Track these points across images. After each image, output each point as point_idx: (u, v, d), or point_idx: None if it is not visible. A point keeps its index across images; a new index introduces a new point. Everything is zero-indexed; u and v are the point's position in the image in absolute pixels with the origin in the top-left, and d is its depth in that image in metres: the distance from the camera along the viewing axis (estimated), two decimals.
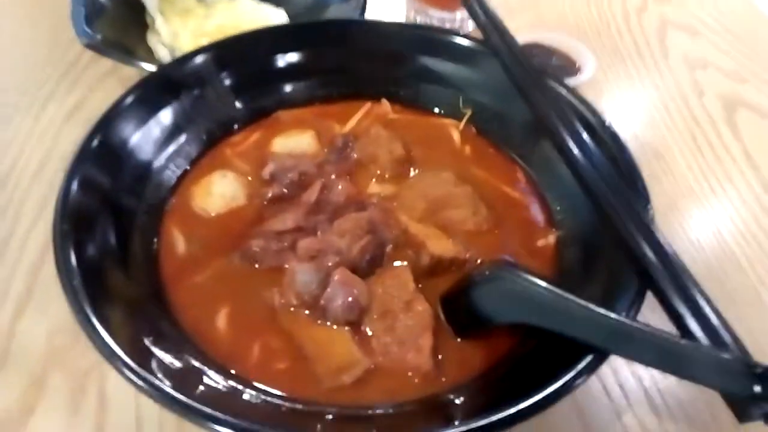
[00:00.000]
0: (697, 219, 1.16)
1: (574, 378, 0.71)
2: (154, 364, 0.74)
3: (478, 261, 0.95)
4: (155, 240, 0.96)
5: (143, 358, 0.73)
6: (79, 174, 0.87)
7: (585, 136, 0.93)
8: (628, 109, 1.46)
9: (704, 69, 1.53)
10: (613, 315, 0.73)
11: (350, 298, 0.83)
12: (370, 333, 0.83)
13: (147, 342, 0.77)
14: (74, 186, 0.85)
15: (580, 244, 0.95)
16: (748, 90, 1.48)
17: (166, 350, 0.78)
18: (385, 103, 1.19)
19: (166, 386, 0.64)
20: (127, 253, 0.90)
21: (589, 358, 0.73)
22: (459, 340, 0.87)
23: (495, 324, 0.83)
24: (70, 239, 0.79)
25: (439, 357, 0.81)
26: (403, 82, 1.20)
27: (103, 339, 0.70)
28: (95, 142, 0.93)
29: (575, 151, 0.92)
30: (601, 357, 0.73)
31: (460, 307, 0.88)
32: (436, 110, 1.20)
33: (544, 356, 0.81)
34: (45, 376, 0.86)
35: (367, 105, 1.19)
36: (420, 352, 0.83)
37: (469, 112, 1.16)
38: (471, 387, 0.81)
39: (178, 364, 0.78)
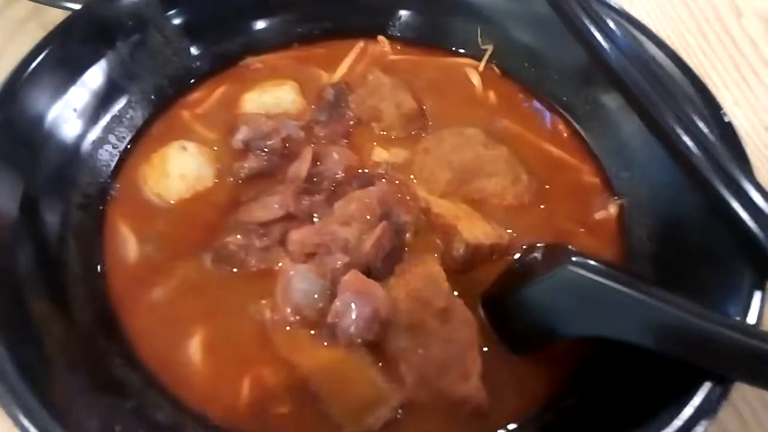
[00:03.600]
0: None
1: (694, 419, 0.52)
2: None
3: (524, 246, 0.73)
4: (96, 244, 0.72)
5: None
6: None
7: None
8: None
9: None
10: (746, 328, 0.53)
11: (367, 311, 0.66)
12: (396, 355, 0.66)
13: (87, 400, 0.57)
14: None
15: (652, 215, 0.76)
16: None
17: (119, 408, 0.57)
18: (383, 41, 0.95)
19: None
20: (57, 269, 0.66)
21: (705, 388, 0.53)
22: (513, 355, 0.66)
23: (560, 336, 0.63)
24: None
25: (492, 383, 0.64)
26: (403, 11, 0.96)
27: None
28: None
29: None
30: (722, 386, 0.54)
31: (509, 311, 0.68)
32: (448, 47, 0.96)
33: (631, 374, 0.61)
34: None
35: (360, 44, 0.94)
36: (467, 378, 0.64)
37: (490, 49, 0.92)
38: (537, 423, 0.61)
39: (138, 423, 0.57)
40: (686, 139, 0.69)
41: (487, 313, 0.70)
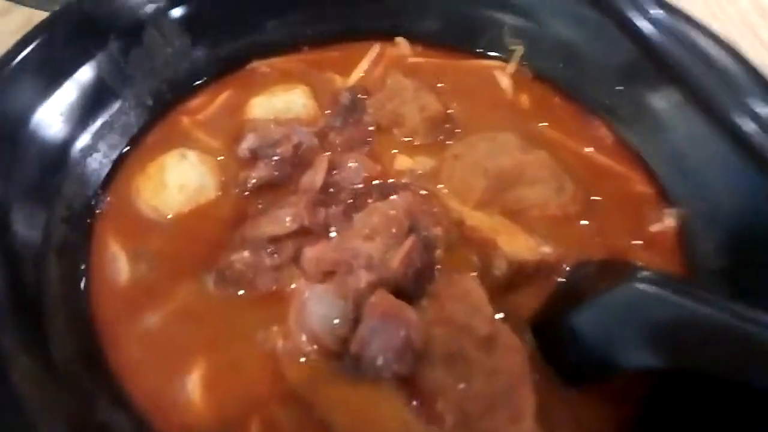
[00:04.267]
0: None
1: None
2: None
3: (575, 263, 0.63)
4: (81, 263, 0.62)
5: None
6: None
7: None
8: None
9: None
10: None
11: (398, 339, 0.57)
12: (433, 391, 0.55)
13: None
14: None
15: (720, 226, 0.66)
16: None
17: None
18: (402, 43, 0.86)
19: None
20: (33, 292, 0.56)
21: None
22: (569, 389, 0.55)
23: (624, 367, 0.53)
24: None
25: (546, 423, 0.54)
26: (423, 11, 0.89)
27: None
28: None
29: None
30: None
31: (563, 338, 0.58)
32: (473, 49, 0.88)
33: (713, 412, 0.51)
34: None
35: (376, 47, 0.86)
36: (519, 419, 0.54)
37: (520, 49, 0.83)
38: None
39: None
40: (753, 128, 0.61)
41: (537, 340, 0.60)
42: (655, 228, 0.69)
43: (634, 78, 0.77)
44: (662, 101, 0.75)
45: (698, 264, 0.66)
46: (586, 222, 0.70)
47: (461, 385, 0.55)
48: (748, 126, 0.64)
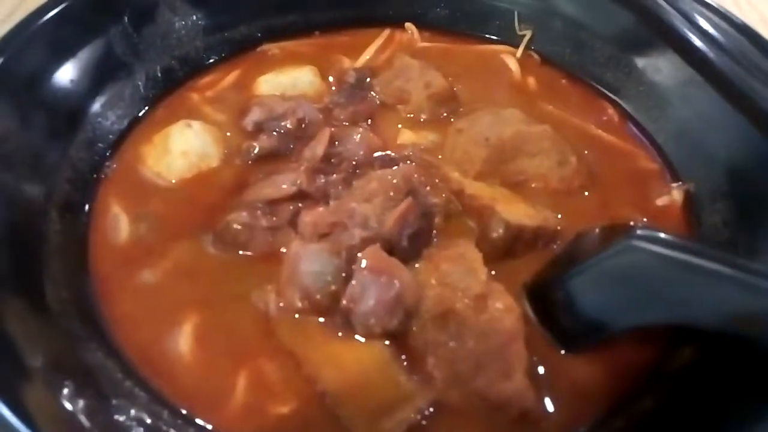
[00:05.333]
0: None
1: None
2: None
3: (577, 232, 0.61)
4: (84, 222, 0.63)
5: (53, 424, 0.45)
6: None
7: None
8: None
9: None
10: None
11: (389, 295, 0.56)
12: (423, 348, 0.54)
13: (64, 396, 0.47)
14: None
15: (728, 198, 0.64)
16: None
17: (96, 403, 0.48)
18: (411, 28, 0.87)
19: None
20: (33, 237, 0.57)
21: None
22: (564, 352, 0.53)
23: (621, 327, 0.51)
24: None
25: (541, 383, 0.53)
26: None
27: None
28: None
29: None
30: None
31: (559, 300, 0.57)
32: (482, 34, 0.89)
33: (719, 373, 0.49)
34: None
35: (386, 32, 0.87)
36: (510, 375, 0.52)
37: (528, 34, 0.84)
38: (605, 430, 0.49)
39: (115, 422, 0.48)
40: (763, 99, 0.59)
41: (532, 303, 0.59)
42: (661, 202, 0.68)
43: (640, 59, 0.77)
44: (668, 81, 0.74)
45: (706, 236, 0.64)
46: (590, 195, 0.68)
47: (452, 344, 0.54)
48: (758, 97, 0.63)
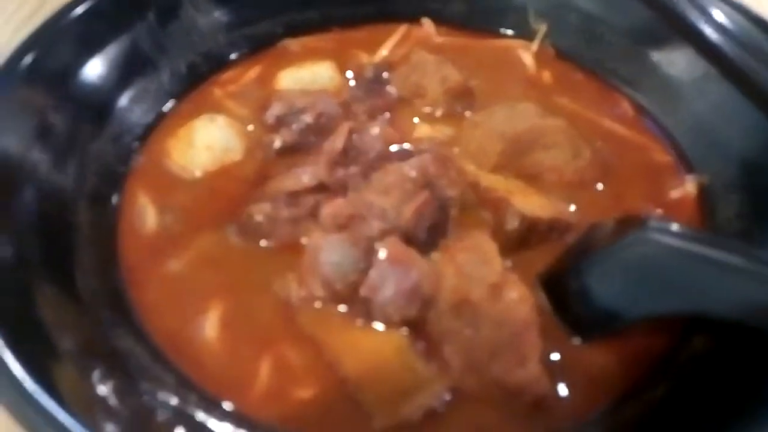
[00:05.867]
0: None
1: None
2: (101, 416, 0.46)
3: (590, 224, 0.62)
4: (113, 213, 0.65)
5: (84, 405, 0.46)
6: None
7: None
8: None
9: None
10: None
11: (407, 284, 0.57)
12: (440, 336, 0.56)
13: (94, 378, 0.49)
14: None
15: (741, 190, 0.65)
16: None
17: (125, 386, 0.50)
18: (428, 24, 0.89)
19: None
20: (64, 227, 0.59)
21: None
22: (577, 341, 0.55)
23: (636, 318, 0.53)
24: None
25: (557, 373, 0.54)
26: None
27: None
28: (27, 60, 0.64)
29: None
30: None
31: (572, 290, 0.59)
32: (498, 29, 0.89)
33: (732, 362, 0.50)
34: None
35: (403, 27, 0.88)
36: (524, 363, 0.54)
37: (543, 29, 0.84)
38: (615, 417, 0.50)
39: (144, 403, 0.50)
40: None
41: (546, 293, 0.60)
42: (675, 194, 0.69)
43: (656, 52, 0.77)
44: (684, 74, 0.75)
45: (718, 229, 0.65)
46: (604, 188, 0.70)
47: (468, 332, 0.55)
48: None
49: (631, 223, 0.59)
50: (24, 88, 0.64)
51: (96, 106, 0.71)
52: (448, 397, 0.53)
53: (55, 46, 0.67)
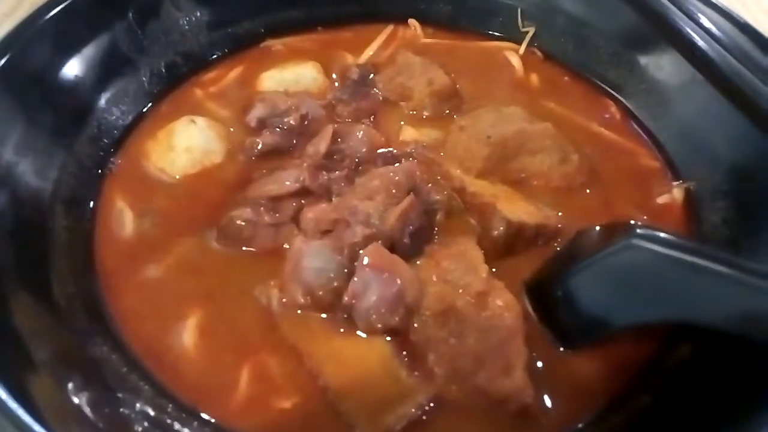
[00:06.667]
0: None
1: None
2: (76, 428, 0.46)
3: (577, 230, 0.62)
4: (89, 217, 0.64)
5: (60, 417, 0.45)
6: None
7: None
8: None
9: None
10: None
11: (390, 291, 0.57)
12: (424, 345, 0.55)
13: (70, 389, 0.48)
14: None
15: (728, 197, 0.64)
16: None
17: (101, 396, 0.49)
18: (414, 24, 0.88)
19: None
20: (42, 239, 0.58)
21: None
22: (563, 350, 0.54)
23: (620, 326, 0.52)
24: None
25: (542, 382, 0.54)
26: None
27: None
28: (3, 61, 0.63)
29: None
30: None
31: (559, 298, 0.58)
32: (485, 31, 0.89)
33: (716, 370, 0.50)
34: None
35: (389, 28, 0.87)
36: (509, 372, 0.53)
37: (531, 31, 0.84)
38: (602, 426, 0.50)
39: (120, 414, 0.49)
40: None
41: (532, 301, 0.59)
42: (662, 200, 0.68)
43: (643, 57, 0.77)
44: (671, 79, 0.74)
45: (705, 235, 0.65)
46: (591, 193, 0.69)
47: (452, 340, 0.55)
48: (759, 96, 0.63)
49: (618, 229, 0.58)
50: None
51: (74, 108, 0.69)
52: (431, 405, 0.52)
53: (31, 46, 0.66)
